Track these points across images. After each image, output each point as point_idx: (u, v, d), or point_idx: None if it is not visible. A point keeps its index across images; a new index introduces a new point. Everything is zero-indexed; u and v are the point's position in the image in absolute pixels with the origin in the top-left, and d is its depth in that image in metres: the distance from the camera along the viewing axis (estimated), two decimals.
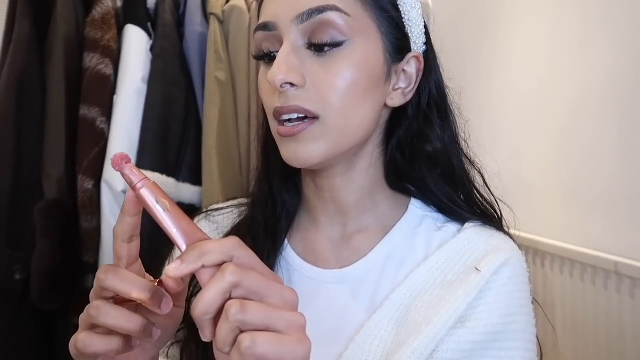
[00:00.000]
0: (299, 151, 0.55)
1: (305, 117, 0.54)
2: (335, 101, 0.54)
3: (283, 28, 0.55)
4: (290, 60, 0.54)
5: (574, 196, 1.53)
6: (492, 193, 0.67)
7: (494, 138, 1.91)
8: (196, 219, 0.72)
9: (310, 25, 0.54)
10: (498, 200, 0.67)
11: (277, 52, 0.56)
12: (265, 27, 0.56)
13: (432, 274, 0.59)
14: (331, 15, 0.54)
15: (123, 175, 0.43)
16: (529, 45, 1.75)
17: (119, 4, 1.26)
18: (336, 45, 0.54)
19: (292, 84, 0.54)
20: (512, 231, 0.66)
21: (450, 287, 0.57)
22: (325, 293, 0.61)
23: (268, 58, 0.58)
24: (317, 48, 0.55)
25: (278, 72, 0.53)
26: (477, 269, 0.58)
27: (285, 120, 0.55)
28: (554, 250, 1.54)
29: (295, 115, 0.54)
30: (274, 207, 0.66)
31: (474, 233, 0.62)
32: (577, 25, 1.54)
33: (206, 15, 1.27)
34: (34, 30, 1.15)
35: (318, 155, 0.55)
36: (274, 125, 0.57)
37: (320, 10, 0.54)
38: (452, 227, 0.64)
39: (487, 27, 1.97)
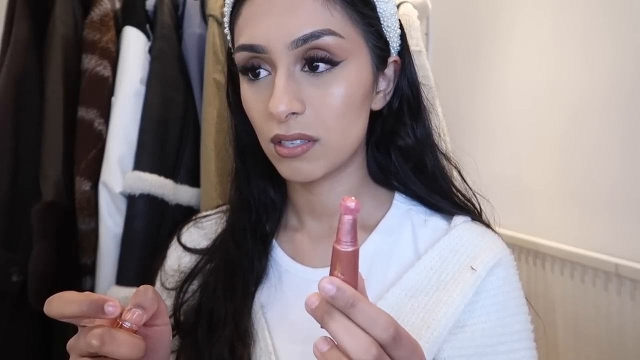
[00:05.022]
0: (302, 169, 0.56)
1: (306, 140, 0.55)
2: (334, 123, 0.55)
3: (276, 53, 0.54)
4: (289, 90, 0.53)
5: (574, 198, 1.52)
6: (470, 187, 0.68)
7: (494, 140, 1.90)
8: (185, 227, 0.72)
9: (304, 50, 0.54)
10: (477, 194, 0.68)
11: (264, 70, 0.56)
12: (252, 48, 0.55)
13: (426, 274, 0.59)
14: (326, 40, 0.54)
15: (348, 222, 0.38)
16: (528, 46, 1.75)
17: (118, 5, 1.26)
18: (331, 68, 0.55)
19: (293, 113, 0.54)
20: (497, 229, 0.67)
21: (445, 288, 0.58)
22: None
23: (252, 74, 0.57)
24: (312, 69, 0.55)
25: (280, 103, 0.53)
26: (472, 268, 0.58)
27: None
28: (554, 252, 1.53)
29: (298, 141, 0.55)
30: (257, 210, 0.66)
31: (465, 230, 0.62)
32: (579, 25, 1.53)
33: (205, 17, 1.27)
34: (32, 32, 1.14)
35: (320, 172, 0.57)
36: (268, 146, 0.57)
37: (316, 35, 0.53)
38: (439, 220, 0.65)
39: (485, 27, 1.97)
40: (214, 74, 1.21)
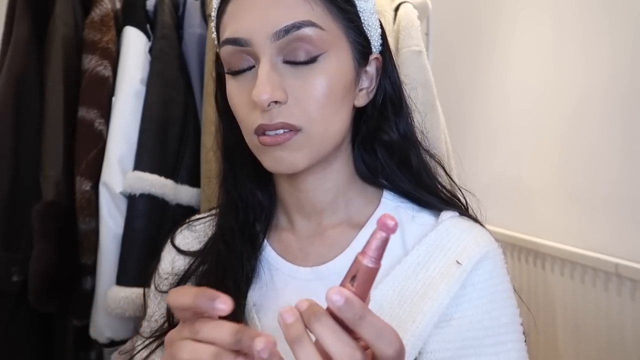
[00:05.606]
0: (284, 158, 0.57)
1: (289, 130, 0.56)
2: (316, 113, 0.56)
3: (259, 45, 0.56)
4: (272, 79, 0.55)
5: (574, 198, 1.52)
6: (454, 182, 0.69)
7: (494, 140, 1.91)
8: (179, 230, 0.72)
9: (286, 41, 0.55)
10: (462, 189, 0.69)
11: (249, 65, 0.57)
12: (236, 42, 0.57)
13: (413, 269, 0.60)
14: (307, 31, 0.55)
15: (380, 238, 0.37)
16: (528, 46, 1.75)
17: (118, 5, 1.26)
18: (313, 59, 0.56)
19: (276, 102, 0.55)
20: (490, 227, 0.68)
21: (432, 283, 0.58)
22: (305, 290, 0.62)
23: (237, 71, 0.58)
24: (294, 62, 0.56)
25: (263, 91, 0.54)
26: (458, 262, 0.59)
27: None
28: (554, 252, 1.54)
29: (281, 131, 0.56)
30: (245, 211, 0.67)
31: (452, 225, 0.63)
32: (579, 26, 1.53)
33: (205, 17, 1.27)
34: (32, 32, 1.15)
35: (303, 162, 0.57)
36: (252, 138, 0.58)
37: (297, 26, 0.55)
38: (427, 216, 0.65)
39: (485, 27, 1.97)
40: (215, 74, 1.21)
